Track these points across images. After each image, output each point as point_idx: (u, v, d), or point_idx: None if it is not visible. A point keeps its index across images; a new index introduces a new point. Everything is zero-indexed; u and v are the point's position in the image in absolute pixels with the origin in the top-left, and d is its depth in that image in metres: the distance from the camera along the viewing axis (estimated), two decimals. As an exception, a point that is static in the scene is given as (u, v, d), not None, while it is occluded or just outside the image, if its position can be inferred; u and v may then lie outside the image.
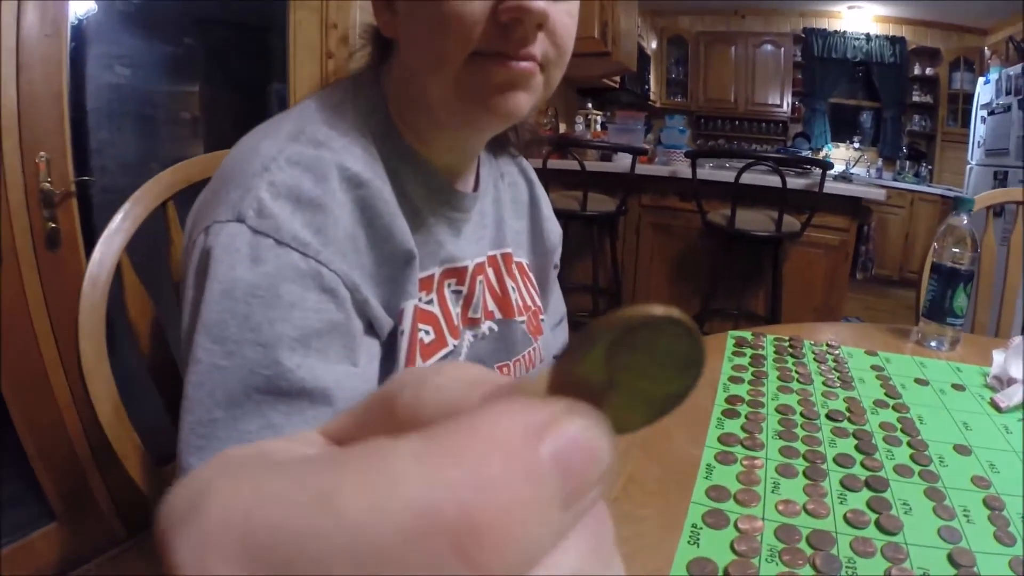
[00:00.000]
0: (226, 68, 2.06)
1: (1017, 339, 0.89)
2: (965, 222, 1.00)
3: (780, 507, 0.54)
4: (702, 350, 0.13)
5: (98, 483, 1.54)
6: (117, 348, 1.34)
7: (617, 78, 4.57)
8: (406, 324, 0.58)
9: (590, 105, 4.14)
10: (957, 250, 0.99)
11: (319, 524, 0.10)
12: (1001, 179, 4.05)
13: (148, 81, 1.79)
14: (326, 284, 0.50)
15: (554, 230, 0.86)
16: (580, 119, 3.97)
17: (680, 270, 3.25)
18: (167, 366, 0.69)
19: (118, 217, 0.68)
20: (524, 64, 0.54)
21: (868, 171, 6.18)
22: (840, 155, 6.39)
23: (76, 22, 1.49)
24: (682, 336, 0.13)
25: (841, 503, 0.55)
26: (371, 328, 0.56)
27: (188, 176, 0.75)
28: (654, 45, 6.50)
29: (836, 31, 6.12)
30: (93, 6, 1.56)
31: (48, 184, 1.36)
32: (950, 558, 0.48)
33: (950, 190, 5.08)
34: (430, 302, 0.62)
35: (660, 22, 6.49)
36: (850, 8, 5.89)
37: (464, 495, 0.10)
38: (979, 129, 4.46)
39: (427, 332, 0.60)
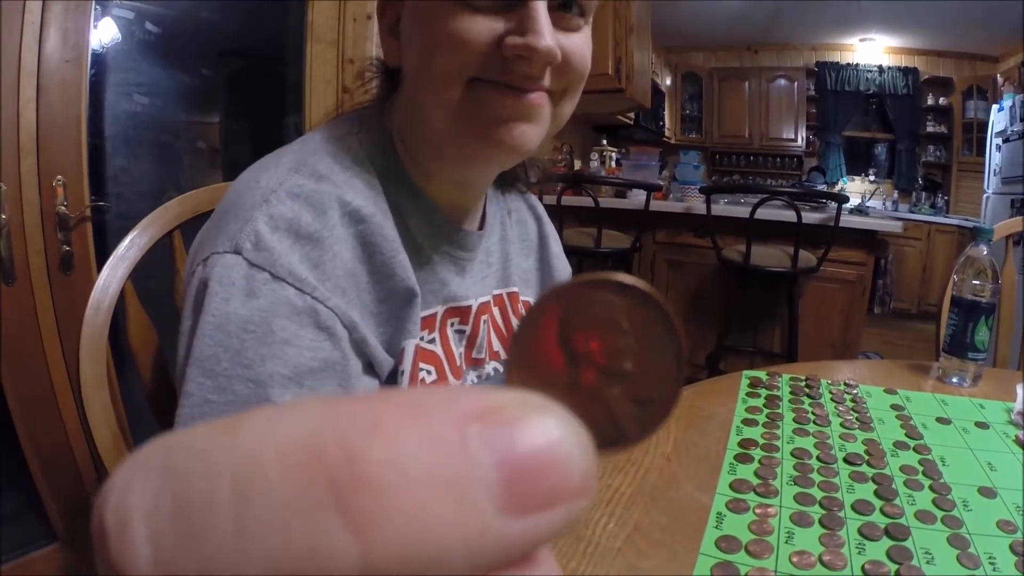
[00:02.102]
0: (243, 99, 2.09)
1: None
2: (985, 252, 0.98)
3: (794, 559, 0.51)
4: (669, 320, 0.11)
5: (103, 507, 1.53)
6: (128, 372, 1.34)
7: (632, 115, 4.60)
8: (407, 364, 0.56)
9: (604, 142, 4.17)
10: (977, 282, 0.96)
11: (216, 442, 0.10)
12: (1019, 207, 4.04)
13: (165, 110, 1.81)
14: (322, 321, 0.48)
15: (564, 268, 0.84)
16: (595, 156, 4.00)
17: (695, 307, 3.22)
18: (167, 396, 0.68)
19: (124, 244, 0.68)
20: (532, 96, 0.52)
21: (884, 204, 6.16)
22: (855, 188, 6.38)
23: (100, 49, 1.52)
24: (642, 303, 0.11)
25: (859, 553, 0.52)
26: (370, 368, 0.54)
27: (196, 206, 0.75)
28: (668, 81, 6.56)
29: (849, 64, 6.16)
30: (117, 34, 1.59)
31: (64, 207, 1.38)
32: (976, 614, 0.46)
33: (967, 220, 5.05)
34: (432, 341, 0.60)
35: (674, 58, 6.56)
36: (862, 41, 5.94)
37: (353, 438, 0.09)
38: (994, 157, 4.46)
39: (429, 372, 0.58)
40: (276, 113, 2.15)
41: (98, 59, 1.51)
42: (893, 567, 0.50)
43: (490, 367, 0.68)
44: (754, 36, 6.06)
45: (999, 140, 4.38)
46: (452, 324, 0.64)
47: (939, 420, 0.81)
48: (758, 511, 0.58)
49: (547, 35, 0.49)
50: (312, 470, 0.09)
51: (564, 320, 0.11)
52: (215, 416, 0.44)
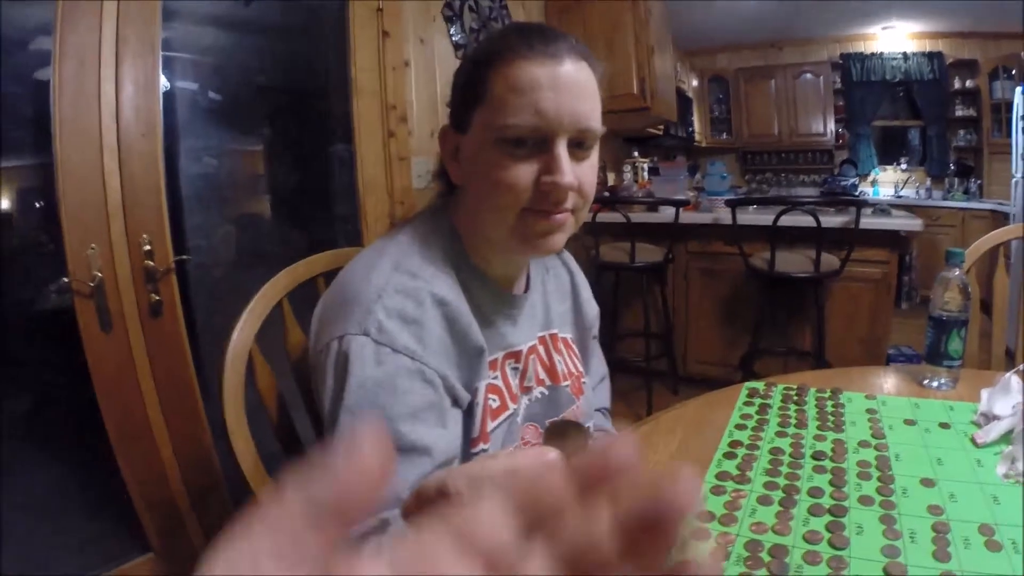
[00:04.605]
0: (287, 131, 2.31)
1: (1002, 376, 0.96)
2: (957, 273, 1.09)
3: (752, 527, 0.70)
4: (584, 437, 0.36)
5: (194, 524, 1.76)
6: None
7: (661, 125, 4.70)
8: (479, 397, 0.79)
9: (636, 153, 4.30)
10: (948, 299, 1.08)
11: (483, 468, 0.31)
12: (1047, 190, 3.87)
13: (234, 169, 2.06)
14: (427, 377, 0.71)
15: (592, 309, 1.07)
16: (627, 168, 4.14)
17: (728, 312, 3.35)
18: (290, 430, 0.91)
19: (245, 313, 0.89)
20: (560, 216, 0.76)
21: (918, 191, 6.10)
22: (888, 178, 6.34)
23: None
24: (574, 432, 0.37)
25: (804, 525, 0.70)
26: (456, 402, 0.77)
27: (296, 278, 0.98)
28: (695, 84, 6.60)
29: (873, 54, 6.12)
30: (166, 83, 1.74)
31: (151, 262, 1.59)
32: (885, 571, 0.62)
33: (1001, 204, 4.92)
34: (496, 378, 0.83)
35: (699, 62, 6.64)
36: (884, 29, 5.89)
37: (519, 463, 0.31)
38: (1020, 140, 4.27)
39: (494, 400, 0.81)
40: (321, 144, 2.39)
41: (170, 130, 1.70)
42: (827, 535, 0.68)
43: (537, 391, 0.89)
44: (777, 33, 6.08)
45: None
46: (509, 364, 0.86)
47: (906, 421, 0.94)
48: (732, 494, 0.77)
49: (568, 172, 0.72)
50: (511, 473, 0.31)
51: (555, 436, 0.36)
52: None
